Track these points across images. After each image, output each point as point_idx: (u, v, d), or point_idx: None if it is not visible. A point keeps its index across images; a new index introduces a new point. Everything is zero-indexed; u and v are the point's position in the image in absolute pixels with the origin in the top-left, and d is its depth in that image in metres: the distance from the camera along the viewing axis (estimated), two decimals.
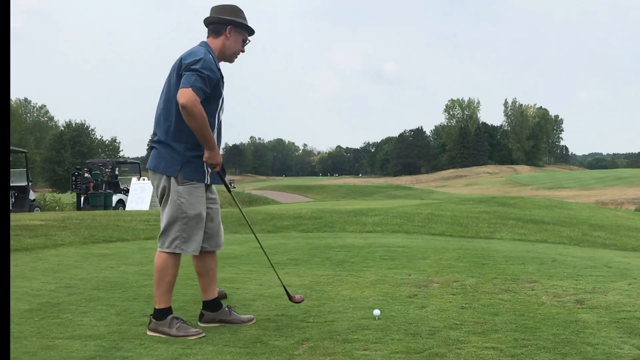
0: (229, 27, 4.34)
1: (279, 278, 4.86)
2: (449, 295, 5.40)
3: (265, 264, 7.31)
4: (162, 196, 4.29)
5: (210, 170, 4.28)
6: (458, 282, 6.06)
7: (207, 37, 4.40)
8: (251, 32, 4.46)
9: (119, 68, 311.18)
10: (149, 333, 4.18)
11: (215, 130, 4.26)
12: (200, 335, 4.11)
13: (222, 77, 4.30)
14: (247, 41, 4.47)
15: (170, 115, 4.20)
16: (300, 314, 4.69)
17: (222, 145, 4.64)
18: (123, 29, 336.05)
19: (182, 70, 4.10)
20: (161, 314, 4.20)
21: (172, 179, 4.20)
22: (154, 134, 4.35)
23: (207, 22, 4.40)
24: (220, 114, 4.36)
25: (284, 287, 4.73)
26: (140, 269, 6.97)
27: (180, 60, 4.18)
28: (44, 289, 5.64)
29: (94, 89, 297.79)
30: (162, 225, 4.29)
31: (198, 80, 4.01)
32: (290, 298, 4.66)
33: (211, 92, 4.15)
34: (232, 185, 29.36)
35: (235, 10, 4.37)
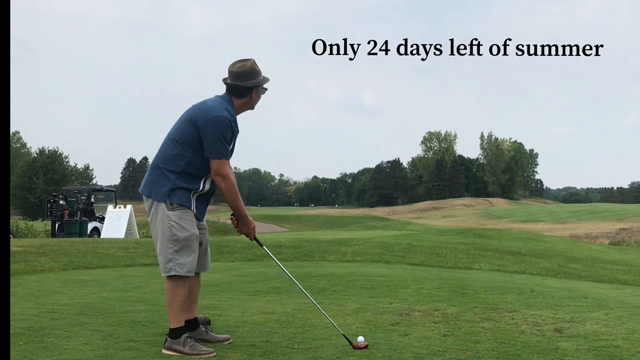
0: (253, 90, 4.54)
1: (332, 322, 4.89)
2: (431, 324, 5.46)
3: (246, 291, 7.34)
4: (152, 221, 4.46)
5: (195, 202, 4.47)
6: (439, 310, 6.13)
7: (228, 93, 4.55)
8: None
9: (93, 96, 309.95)
10: (164, 351, 4.34)
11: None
12: (211, 355, 4.26)
13: (238, 131, 4.55)
14: (266, 89, 4.66)
15: (173, 147, 4.44)
16: (284, 340, 4.73)
17: None
18: (98, 57, 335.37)
19: (201, 121, 4.34)
20: (175, 333, 4.36)
21: (162, 204, 4.37)
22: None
23: (230, 87, 4.54)
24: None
25: (344, 335, 4.65)
26: (122, 295, 6.95)
27: (204, 108, 4.41)
28: (26, 313, 5.61)
29: (67, 116, 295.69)
30: (157, 249, 4.45)
31: (225, 148, 4.36)
32: (352, 344, 4.53)
33: None
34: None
35: (254, 71, 4.53)
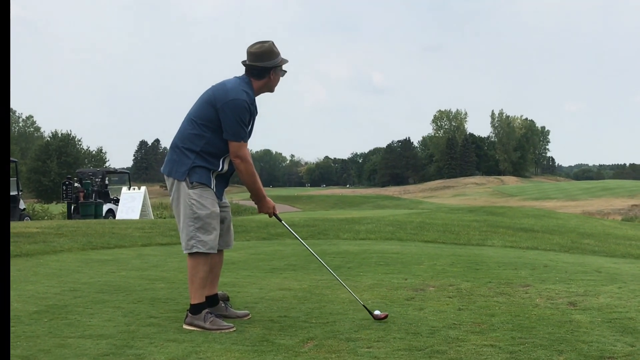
0: (271, 71, 4.57)
1: (352, 295, 5.05)
2: (445, 298, 5.54)
3: (263, 269, 7.44)
4: (173, 200, 4.55)
5: (215, 182, 4.56)
6: (453, 286, 6.20)
7: (247, 75, 4.59)
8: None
9: (105, 78, 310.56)
10: (185, 327, 4.42)
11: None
12: (231, 329, 4.35)
13: (256, 112, 4.61)
14: (285, 71, 4.70)
15: (192, 127, 4.50)
16: (302, 315, 4.82)
17: None
18: (109, 39, 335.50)
19: (219, 104, 4.41)
20: (196, 309, 4.45)
21: (183, 183, 4.45)
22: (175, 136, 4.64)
23: (249, 68, 4.58)
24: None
25: (364, 306, 4.78)
26: (141, 273, 7.07)
27: (223, 90, 4.46)
28: (49, 292, 5.73)
29: (79, 100, 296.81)
30: (179, 227, 4.54)
31: (243, 131, 4.44)
32: (373, 315, 4.65)
33: None
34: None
35: (272, 52, 4.57)
